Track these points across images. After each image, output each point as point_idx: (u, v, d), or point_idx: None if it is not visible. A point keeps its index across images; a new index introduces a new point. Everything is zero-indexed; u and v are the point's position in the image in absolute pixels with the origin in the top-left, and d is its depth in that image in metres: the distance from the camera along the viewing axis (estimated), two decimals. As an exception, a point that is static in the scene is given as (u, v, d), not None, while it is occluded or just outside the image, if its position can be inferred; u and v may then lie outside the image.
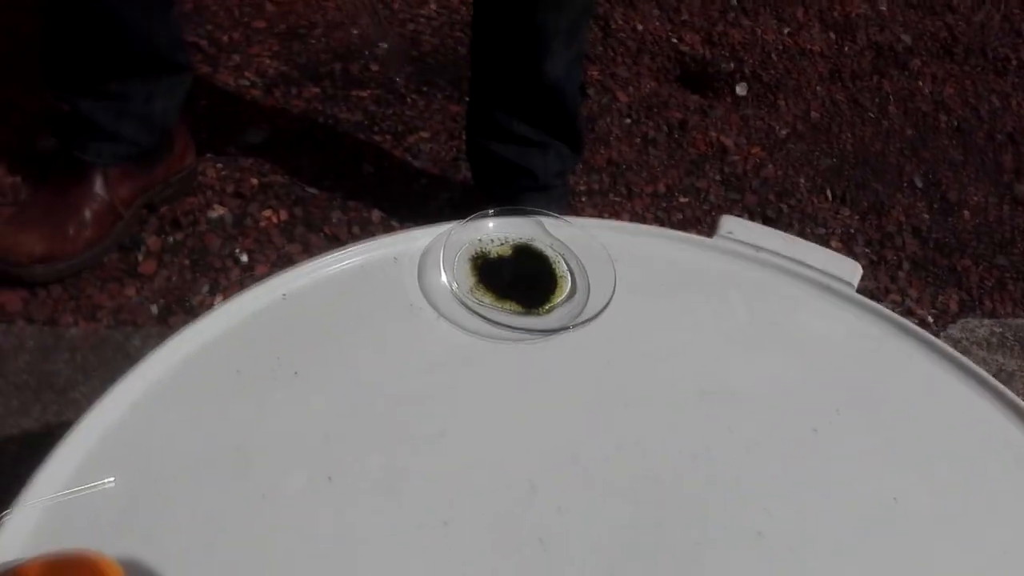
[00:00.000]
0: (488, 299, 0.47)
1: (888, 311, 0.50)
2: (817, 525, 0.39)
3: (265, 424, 0.40)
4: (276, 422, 0.40)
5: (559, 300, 0.48)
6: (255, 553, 0.35)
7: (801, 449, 0.42)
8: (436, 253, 0.48)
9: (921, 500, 0.41)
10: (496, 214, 0.51)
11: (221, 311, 0.44)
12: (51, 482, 0.36)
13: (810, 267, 0.51)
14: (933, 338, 0.49)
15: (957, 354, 0.48)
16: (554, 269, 0.49)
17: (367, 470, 0.38)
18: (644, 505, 0.39)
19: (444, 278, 0.47)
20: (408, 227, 0.51)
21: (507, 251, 0.50)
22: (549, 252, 0.50)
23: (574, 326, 0.46)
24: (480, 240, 0.50)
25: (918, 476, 0.42)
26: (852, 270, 0.51)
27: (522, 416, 0.42)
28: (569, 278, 0.49)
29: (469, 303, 0.46)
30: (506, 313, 0.46)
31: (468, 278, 0.48)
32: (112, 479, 0.37)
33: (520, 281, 0.48)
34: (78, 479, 0.37)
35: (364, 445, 0.39)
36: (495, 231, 0.51)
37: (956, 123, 1.91)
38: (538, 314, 0.47)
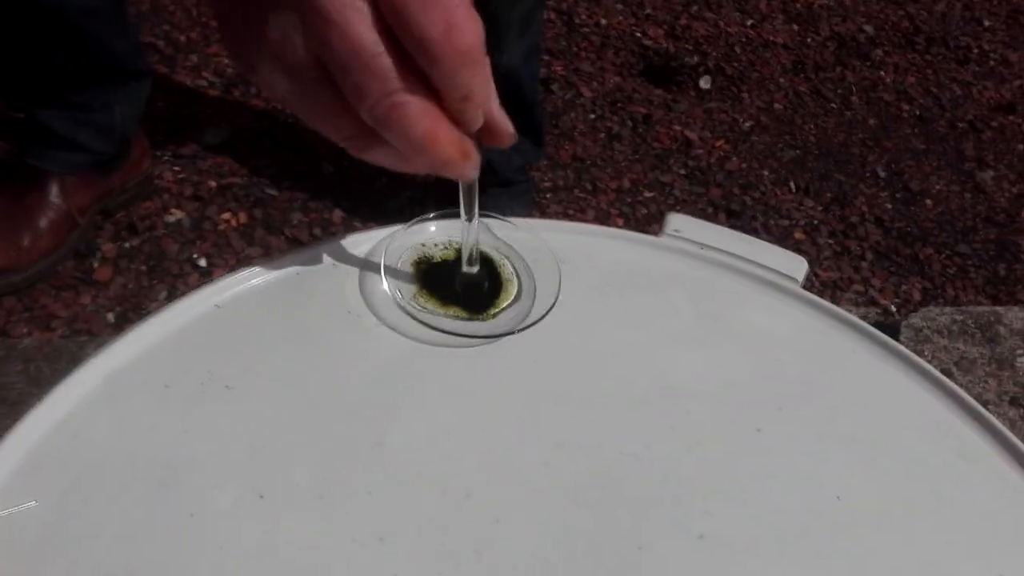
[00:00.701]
0: (431, 305, 0.46)
1: (832, 306, 0.50)
2: (760, 526, 0.39)
3: (194, 440, 0.39)
4: (206, 438, 0.39)
5: (505, 305, 0.47)
6: (184, 574, 0.34)
7: (744, 448, 0.42)
8: (377, 259, 0.47)
9: (865, 497, 0.41)
10: (437, 217, 0.50)
11: (150, 323, 0.43)
12: (-31, 505, 0.35)
13: (755, 263, 0.50)
14: (877, 332, 0.49)
15: (901, 348, 0.48)
16: (499, 273, 0.48)
17: (300, 485, 0.37)
18: (583, 509, 0.38)
19: (385, 285, 0.46)
20: (352, 231, 0.50)
21: (451, 255, 0.49)
22: (494, 255, 0.49)
23: (519, 330, 0.45)
24: (423, 244, 0.49)
25: (862, 472, 0.42)
26: (797, 266, 0.51)
27: (461, 422, 0.41)
28: (515, 281, 0.48)
29: (411, 310, 0.45)
30: (450, 319, 0.45)
31: (411, 284, 0.47)
32: (34, 501, 0.36)
33: (464, 286, 0.47)
34: (2, 500, 0.36)
35: (298, 459, 0.38)
36: (438, 235, 0.50)
37: (918, 112, 1.93)
38: (483, 319, 0.46)
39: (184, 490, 0.37)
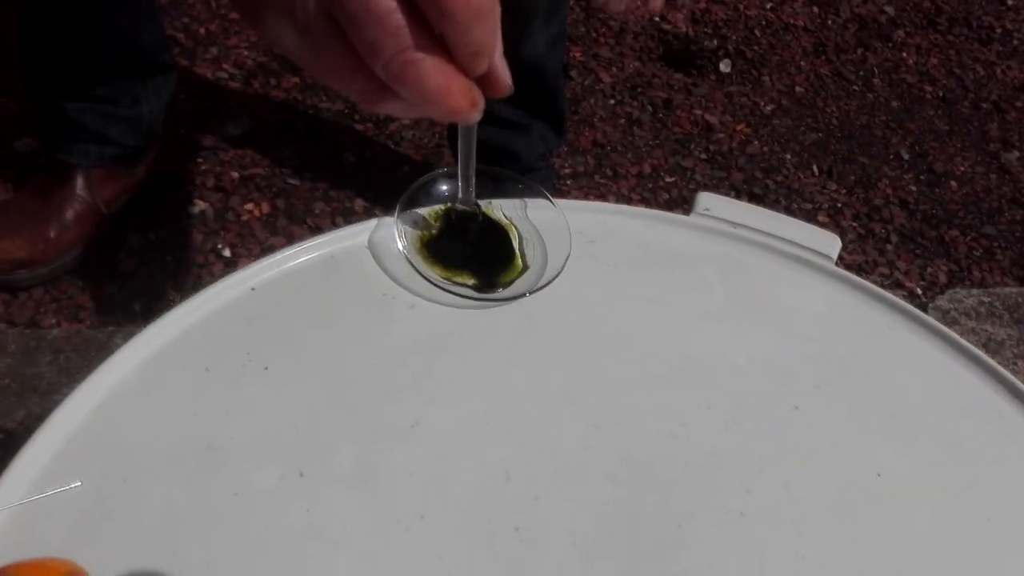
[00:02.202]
0: (439, 272, 0.46)
1: (867, 283, 0.49)
2: (800, 503, 0.39)
3: (235, 421, 0.39)
4: (246, 418, 0.39)
5: (515, 275, 0.47)
6: (227, 552, 0.35)
7: (782, 426, 0.42)
8: (399, 240, 0.47)
9: (905, 474, 0.41)
10: (431, 181, 0.51)
11: (187, 306, 0.43)
12: (15, 487, 0.36)
13: (788, 241, 0.50)
14: (914, 309, 0.48)
15: (938, 324, 0.47)
16: (510, 242, 0.48)
17: (340, 464, 0.38)
18: (621, 489, 0.38)
19: (400, 246, 0.46)
20: (380, 215, 0.50)
21: (468, 222, 0.48)
22: (510, 226, 0.49)
23: (531, 293, 0.45)
24: (427, 216, 0.49)
25: (901, 449, 0.42)
26: (831, 243, 0.50)
27: (497, 403, 0.41)
28: (527, 251, 0.48)
29: (436, 281, 0.45)
30: (462, 287, 0.46)
31: (424, 256, 0.47)
32: (79, 482, 0.36)
33: (476, 259, 0.47)
34: (43, 483, 0.36)
35: (337, 439, 0.39)
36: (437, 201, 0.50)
37: (941, 93, 1.91)
38: (494, 287, 0.46)
39: (226, 470, 0.37)
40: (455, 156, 0.46)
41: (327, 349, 0.42)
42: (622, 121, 1.64)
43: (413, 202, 0.49)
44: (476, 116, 0.36)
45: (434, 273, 0.45)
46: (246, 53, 1.58)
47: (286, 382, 0.41)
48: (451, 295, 0.45)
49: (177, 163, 1.35)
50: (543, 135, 1.26)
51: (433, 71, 0.33)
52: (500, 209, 0.49)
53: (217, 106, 1.47)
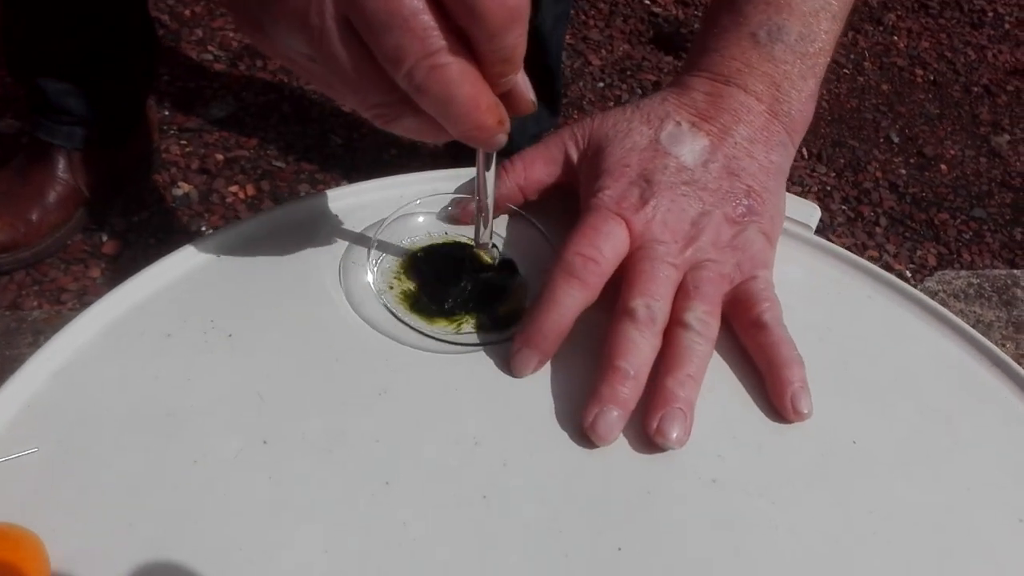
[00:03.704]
0: (417, 319, 0.42)
1: (847, 252, 0.48)
2: (774, 471, 0.38)
3: (197, 388, 0.38)
4: (208, 386, 0.38)
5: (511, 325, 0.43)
6: (186, 521, 0.34)
7: (758, 393, 0.41)
8: (376, 216, 0.45)
9: (882, 440, 0.40)
10: (428, 202, 0.47)
11: (149, 272, 0.42)
12: (-29, 455, 0.35)
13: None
14: (893, 278, 0.47)
15: (917, 292, 0.47)
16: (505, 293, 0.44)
17: (304, 432, 0.37)
18: (591, 455, 0.37)
19: (373, 288, 0.43)
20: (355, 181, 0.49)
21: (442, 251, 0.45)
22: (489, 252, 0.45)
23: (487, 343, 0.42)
24: (411, 239, 0.45)
25: (878, 416, 0.41)
26: (810, 212, 0.50)
27: (466, 371, 0.40)
28: (522, 295, 0.44)
29: (403, 319, 0.42)
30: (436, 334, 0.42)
31: (401, 283, 0.44)
32: (35, 448, 0.35)
33: (479, 308, 0.43)
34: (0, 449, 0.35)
35: (302, 407, 0.38)
36: (427, 225, 0.46)
37: (932, 77, 1.90)
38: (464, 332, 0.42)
39: (187, 438, 0.36)
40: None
41: (293, 317, 0.41)
42: (611, 104, 1.63)
43: (387, 238, 0.45)
44: (502, 137, 0.34)
45: (422, 322, 0.42)
46: (231, 35, 1.56)
47: (250, 350, 0.40)
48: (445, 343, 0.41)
49: (161, 145, 1.34)
50: (537, 114, 1.25)
51: (461, 79, 0.31)
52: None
53: (202, 88, 1.46)
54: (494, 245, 0.44)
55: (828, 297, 0.46)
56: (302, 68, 0.32)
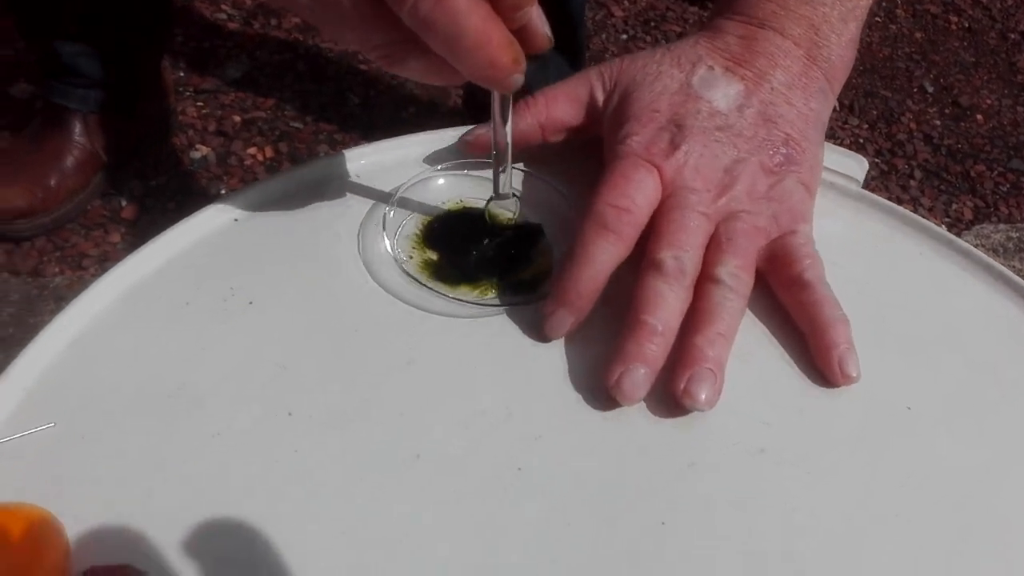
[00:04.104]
0: (439, 284, 0.40)
1: (898, 207, 0.46)
2: (823, 438, 0.36)
3: (217, 358, 0.36)
4: (229, 355, 0.37)
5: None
6: (207, 496, 0.32)
7: (804, 357, 0.39)
8: (384, 220, 0.42)
9: (937, 405, 0.38)
10: (448, 169, 0.44)
11: (166, 238, 0.40)
12: (-14, 429, 0.34)
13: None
14: (945, 232, 0.45)
15: (973, 249, 0.44)
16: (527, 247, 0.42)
17: (330, 403, 0.35)
18: (630, 426, 0.35)
19: (391, 253, 0.41)
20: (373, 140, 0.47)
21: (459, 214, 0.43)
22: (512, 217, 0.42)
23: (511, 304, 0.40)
24: (433, 204, 0.43)
25: (933, 380, 0.39)
26: (857, 165, 0.47)
27: (497, 337, 0.38)
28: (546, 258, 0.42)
29: (424, 282, 0.40)
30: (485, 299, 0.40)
31: (420, 251, 0.41)
32: (52, 423, 0.34)
33: (503, 267, 0.41)
34: (14, 425, 0.34)
35: (327, 377, 0.36)
36: (448, 190, 0.44)
37: (967, 24, 1.84)
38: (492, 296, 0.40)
39: (208, 409, 0.35)
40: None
41: (314, 284, 0.40)
42: (635, 57, 1.59)
43: (404, 206, 0.43)
44: (518, 78, 0.31)
45: (446, 288, 0.40)
46: (245, -7, 1.53)
47: (272, 318, 0.38)
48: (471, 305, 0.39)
49: (177, 107, 1.32)
50: (559, 68, 1.21)
51: (469, 10, 0.29)
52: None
53: (216, 48, 1.43)
54: (515, 194, 0.41)
55: (877, 254, 0.44)
56: (305, 10, 0.31)
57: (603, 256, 0.38)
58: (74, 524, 0.31)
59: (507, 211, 0.41)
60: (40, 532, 0.29)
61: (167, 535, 0.31)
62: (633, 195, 0.38)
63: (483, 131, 0.44)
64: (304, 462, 0.33)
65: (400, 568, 0.31)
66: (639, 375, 0.35)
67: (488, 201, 0.41)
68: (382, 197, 0.43)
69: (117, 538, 0.31)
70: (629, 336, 0.36)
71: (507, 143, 0.38)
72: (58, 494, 0.32)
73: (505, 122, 0.37)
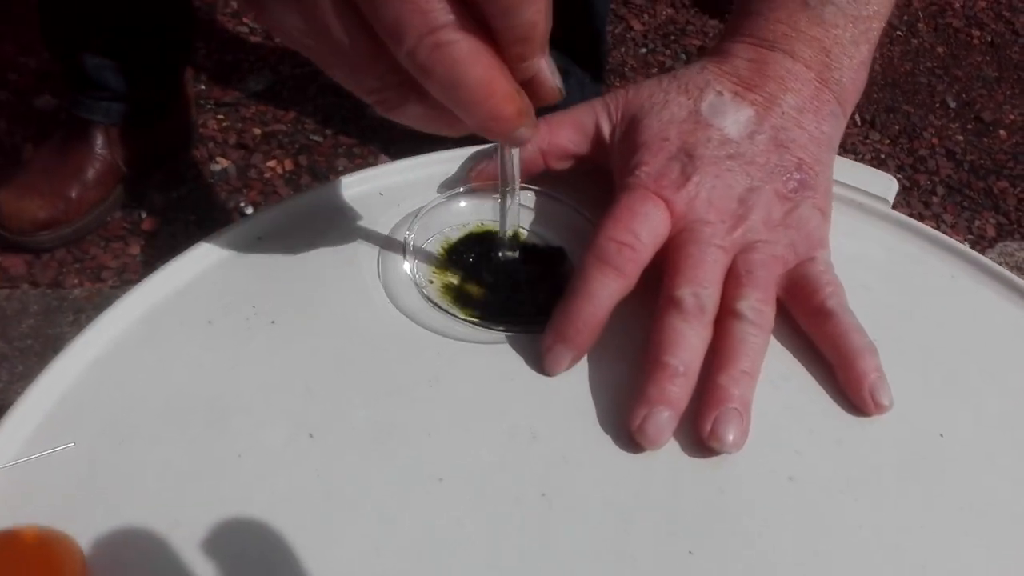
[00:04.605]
0: (451, 305, 0.40)
1: (928, 228, 0.45)
2: (854, 466, 0.35)
3: (240, 378, 0.36)
4: (252, 375, 0.36)
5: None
6: (230, 518, 0.32)
7: (833, 383, 0.38)
8: (408, 233, 0.42)
9: (971, 434, 0.37)
10: (471, 192, 0.44)
11: (189, 257, 0.40)
12: (5, 448, 0.33)
13: (841, 184, 0.46)
14: (979, 256, 0.44)
15: (1007, 272, 0.43)
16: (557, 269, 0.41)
17: (353, 425, 0.35)
18: (659, 451, 0.35)
19: (410, 274, 0.40)
20: (400, 158, 0.46)
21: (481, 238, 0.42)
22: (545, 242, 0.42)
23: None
24: (452, 227, 0.42)
25: (966, 409, 0.38)
26: (887, 185, 0.46)
27: (522, 358, 0.38)
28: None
29: (444, 306, 0.39)
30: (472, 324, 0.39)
31: (442, 273, 0.41)
32: (72, 443, 0.34)
33: (500, 279, 0.41)
34: (34, 445, 0.34)
35: (349, 398, 0.36)
36: (470, 212, 0.43)
37: (990, 38, 1.82)
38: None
39: (230, 431, 0.34)
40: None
41: (338, 303, 0.39)
42: (655, 71, 1.58)
43: (425, 228, 0.42)
44: (524, 132, 0.30)
45: (465, 313, 0.39)
46: (267, 7, 1.54)
47: (294, 337, 0.38)
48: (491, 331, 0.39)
49: (198, 120, 1.33)
50: (580, 81, 1.20)
51: (472, 58, 0.27)
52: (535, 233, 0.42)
53: (238, 61, 1.44)
54: (519, 238, 0.41)
55: (908, 277, 0.43)
56: (302, 46, 0.29)
57: (603, 292, 0.37)
58: (91, 547, 0.31)
59: (533, 236, 0.40)
60: (58, 555, 0.29)
61: (186, 558, 0.31)
62: (637, 230, 0.38)
63: (484, 164, 0.44)
64: (326, 484, 0.33)
65: (423, 597, 0.30)
66: (663, 418, 0.35)
67: (495, 250, 0.40)
68: (403, 218, 0.43)
69: (135, 561, 0.31)
70: (650, 378, 0.35)
71: (515, 192, 0.37)
72: (75, 516, 0.31)
73: (510, 174, 0.37)
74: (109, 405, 0.35)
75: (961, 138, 1.57)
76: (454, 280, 0.41)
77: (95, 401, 0.35)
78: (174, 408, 0.35)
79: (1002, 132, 1.60)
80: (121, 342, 0.37)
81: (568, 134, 0.43)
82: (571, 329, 0.36)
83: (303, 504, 0.32)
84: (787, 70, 0.41)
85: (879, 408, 0.37)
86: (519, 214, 0.40)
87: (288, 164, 1.30)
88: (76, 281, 1.13)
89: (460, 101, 0.28)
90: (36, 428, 0.34)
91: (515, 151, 0.36)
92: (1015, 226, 1.42)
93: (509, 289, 0.40)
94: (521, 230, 0.40)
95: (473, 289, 0.40)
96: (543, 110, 0.32)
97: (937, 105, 1.63)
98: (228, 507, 0.32)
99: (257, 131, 1.34)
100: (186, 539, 0.31)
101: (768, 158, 0.40)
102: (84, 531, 0.31)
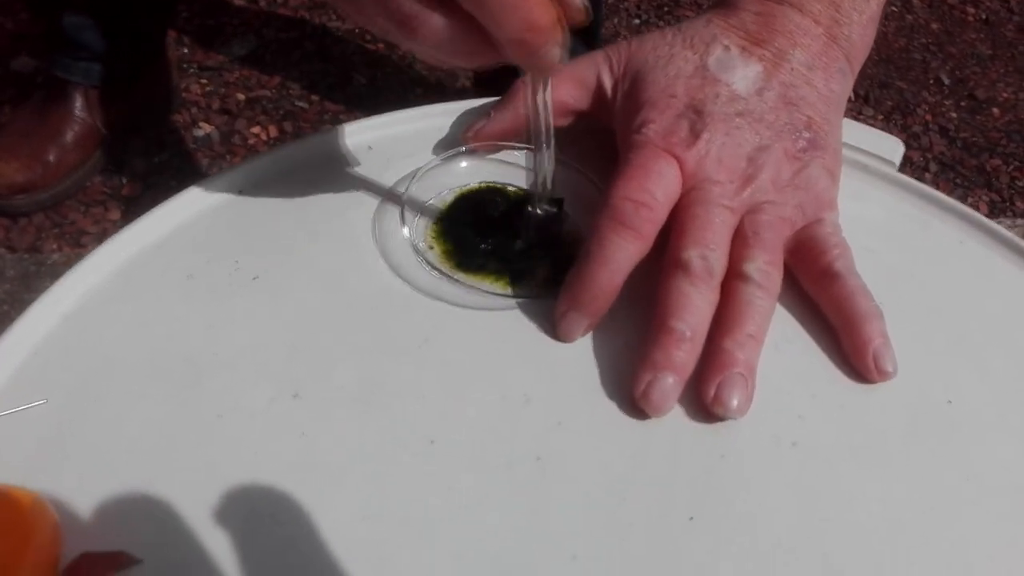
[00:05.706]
0: (459, 272, 0.38)
1: (936, 192, 0.44)
2: (858, 432, 0.34)
3: (220, 335, 0.34)
4: (233, 333, 0.35)
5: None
6: (209, 482, 0.30)
7: (838, 347, 0.37)
8: (401, 199, 0.40)
9: (979, 400, 0.36)
10: (472, 152, 0.41)
11: (168, 208, 0.38)
12: (-28, 406, 0.32)
13: (846, 145, 0.44)
14: (988, 221, 0.43)
15: (1017, 239, 0.42)
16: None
17: (340, 385, 0.33)
18: (659, 416, 0.33)
19: (408, 238, 0.38)
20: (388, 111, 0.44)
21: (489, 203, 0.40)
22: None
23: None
24: (455, 188, 0.40)
25: (975, 374, 0.37)
26: (893, 147, 0.45)
27: (516, 318, 0.36)
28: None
29: (445, 271, 0.38)
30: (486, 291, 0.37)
31: (440, 239, 0.39)
32: (43, 400, 0.32)
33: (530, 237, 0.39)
34: (3, 402, 0.32)
35: (336, 357, 0.34)
36: (470, 172, 0.41)
37: (984, 15, 1.81)
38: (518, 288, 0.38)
39: (211, 389, 0.33)
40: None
41: (324, 258, 0.37)
42: (647, 43, 1.56)
43: (423, 187, 0.40)
44: (558, 51, 0.28)
45: (464, 276, 0.37)
46: (252, -31, 1.50)
47: (278, 293, 0.36)
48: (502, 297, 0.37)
49: (181, 84, 1.30)
50: (573, 49, 1.18)
51: None
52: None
53: (222, 24, 1.40)
54: (555, 200, 0.38)
55: (915, 242, 0.42)
56: None
57: (620, 255, 0.35)
58: (65, 508, 0.29)
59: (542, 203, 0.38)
60: (28, 516, 0.28)
61: (163, 521, 0.29)
62: (652, 188, 0.36)
63: (482, 123, 0.42)
64: (311, 446, 0.31)
65: (411, 558, 0.29)
66: (667, 384, 0.33)
67: (528, 208, 0.38)
68: (400, 176, 0.41)
69: (110, 523, 0.29)
70: (656, 343, 0.34)
71: (550, 143, 0.35)
72: (48, 476, 0.30)
73: (544, 122, 0.34)
74: (82, 362, 0.33)
75: (955, 115, 1.56)
76: (452, 243, 0.39)
77: (67, 358, 0.33)
78: (151, 366, 0.33)
79: (995, 110, 1.60)
80: (95, 296, 0.35)
81: (568, 87, 0.41)
82: (587, 295, 0.35)
83: (287, 466, 0.31)
84: (796, 24, 0.40)
85: (883, 375, 0.35)
86: (553, 158, 0.37)
87: (273, 130, 1.28)
88: (55, 246, 1.11)
89: (491, 11, 0.26)
90: (4, 384, 0.32)
91: (547, 97, 0.34)
92: (1007, 203, 1.41)
93: (509, 253, 0.38)
94: (510, 188, 0.38)
95: (473, 253, 0.38)
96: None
97: (931, 82, 1.62)
98: (207, 470, 0.31)
99: (241, 96, 1.31)
100: (162, 500, 0.30)
101: (777, 116, 0.39)
102: (55, 491, 0.29)
